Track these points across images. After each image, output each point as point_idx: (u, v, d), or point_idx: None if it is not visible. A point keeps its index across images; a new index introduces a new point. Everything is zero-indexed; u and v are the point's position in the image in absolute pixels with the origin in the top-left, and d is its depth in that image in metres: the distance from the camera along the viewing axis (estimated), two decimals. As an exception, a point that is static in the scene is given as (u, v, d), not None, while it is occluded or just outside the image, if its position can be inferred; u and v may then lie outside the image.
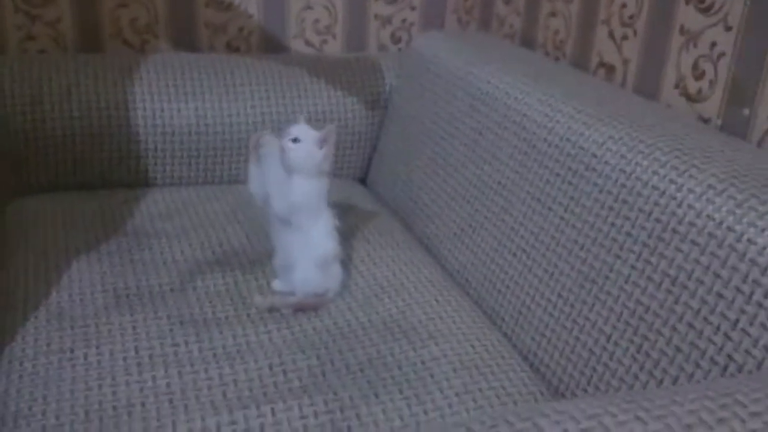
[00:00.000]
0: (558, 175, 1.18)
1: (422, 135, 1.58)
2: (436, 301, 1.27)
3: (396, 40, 1.98)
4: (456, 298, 1.29)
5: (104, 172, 1.62)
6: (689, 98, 1.27)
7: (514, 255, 1.24)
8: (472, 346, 1.15)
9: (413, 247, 1.47)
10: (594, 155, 1.12)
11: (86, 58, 1.66)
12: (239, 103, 1.67)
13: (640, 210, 1.02)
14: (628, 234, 1.03)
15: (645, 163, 1.04)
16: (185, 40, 1.82)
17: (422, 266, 1.39)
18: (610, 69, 1.45)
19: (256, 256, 1.35)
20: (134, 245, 1.38)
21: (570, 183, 1.15)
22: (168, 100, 1.63)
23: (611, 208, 1.07)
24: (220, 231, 1.45)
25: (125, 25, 1.77)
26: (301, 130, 1.21)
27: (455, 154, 1.46)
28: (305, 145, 1.19)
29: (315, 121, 1.60)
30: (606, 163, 1.10)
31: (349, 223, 1.34)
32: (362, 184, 1.81)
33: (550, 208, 1.18)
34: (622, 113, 1.19)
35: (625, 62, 1.41)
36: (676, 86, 1.29)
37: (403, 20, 1.96)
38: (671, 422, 0.62)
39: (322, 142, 1.20)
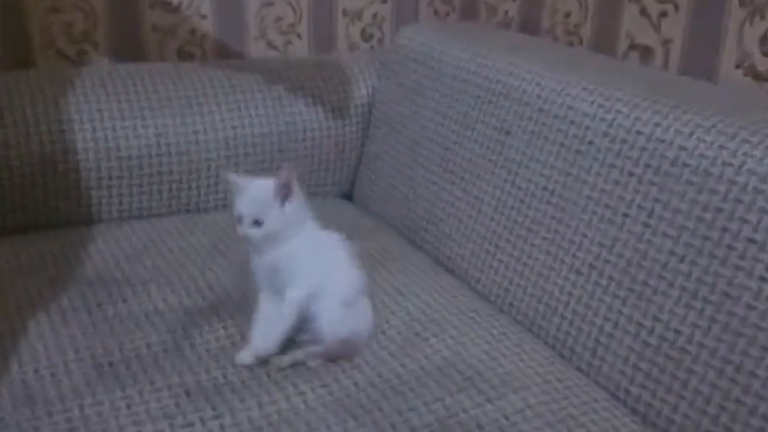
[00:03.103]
0: (632, 174, 0.99)
1: (425, 141, 1.37)
2: (491, 335, 1.06)
3: (366, 37, 1.77)
4: (510, 329, 1.09)
5: (50, 209, 1.34)
6: (758, 77, 1.11)
7: (579, 273, 1.05)
8: (556, 390, 0.95)
9: (436, 271, 1.26)
10: (682, 148, 0.94)
11: (17, 75, 1.38)
12: (205, 117, 1.43)
13: (762, 210, 0.85)
14: (750, 240, 0.85)
15: (756, 153, 0.87)
16: (130, 48, 1.56)
17: (455, 292, 1.18)
18: (645, 51, 1.28)
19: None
20: (104, 297, 1.12)
21: (651, 183, 0.97)
22: (120, 118, 1.38)
23: (719, 210, 0.89)
24: (206, 270, 1.21)
25: (58, 33, 1.50)
26: (253, 200, 0.96)
27: (474, 160, 1.26)
28: (270, 219, 0.95)
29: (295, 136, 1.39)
30: (701, 156, 0.92)
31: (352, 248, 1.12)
32: (347, 199, 1.59)
33: (625, 215, 0.99)
34: (695, 98, 1.02)
35: (666, 43, 1.24)
36: (738, 66, 1.13)
37: (374, 15, 1.76)
38: None
39: (283, 193, 0.96)
